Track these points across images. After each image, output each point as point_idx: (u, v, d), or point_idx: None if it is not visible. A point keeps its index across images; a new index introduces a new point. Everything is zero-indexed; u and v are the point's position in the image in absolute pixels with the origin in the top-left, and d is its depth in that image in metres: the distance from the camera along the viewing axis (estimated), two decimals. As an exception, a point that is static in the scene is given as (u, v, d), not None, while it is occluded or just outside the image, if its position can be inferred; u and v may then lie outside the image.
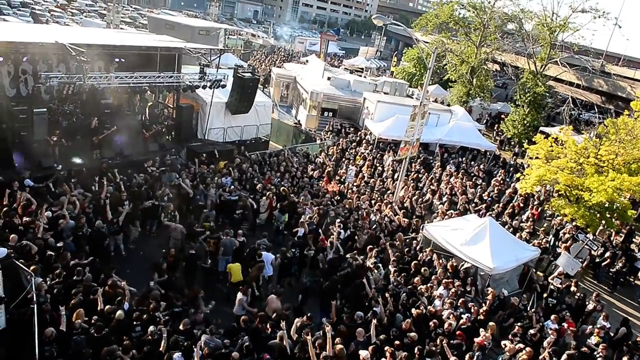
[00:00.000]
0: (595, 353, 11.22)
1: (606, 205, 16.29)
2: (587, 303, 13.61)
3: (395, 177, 19.83)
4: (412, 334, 10.23)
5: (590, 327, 12.51)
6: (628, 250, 18.03)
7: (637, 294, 16.63)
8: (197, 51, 19.42)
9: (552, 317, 12.11)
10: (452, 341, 10.44)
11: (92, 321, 8.77)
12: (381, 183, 20.01)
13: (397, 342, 9.76)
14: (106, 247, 12.37)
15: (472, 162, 25.32)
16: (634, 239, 19.54)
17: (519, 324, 11.65)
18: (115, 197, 13.74)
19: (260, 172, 18.99)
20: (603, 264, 16.92)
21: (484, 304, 12.38)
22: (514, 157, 28.85)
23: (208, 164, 17.96)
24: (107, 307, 9.21)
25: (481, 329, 10.96)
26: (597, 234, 17.63)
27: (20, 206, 12.12)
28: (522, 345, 10.71)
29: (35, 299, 8.70)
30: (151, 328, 8.80)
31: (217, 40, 32.69)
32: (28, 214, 11.91)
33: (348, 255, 13.51)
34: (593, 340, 11.88)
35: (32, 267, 9.44)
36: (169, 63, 19.29)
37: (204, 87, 18.55)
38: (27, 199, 12.32)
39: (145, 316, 9.29)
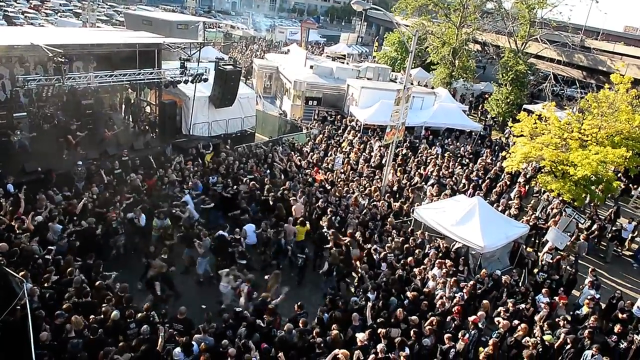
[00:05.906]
0: (586, 324, 11.40)
1: (592, 178, 16.53)
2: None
3: (383, 162, 19.88)
4: (413, 317, 10.35)
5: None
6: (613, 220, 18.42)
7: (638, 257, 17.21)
8: (177, 46, 19.19)
9: (544, 290, 12.30)
10: (447, 319, 10.62)
11: (87, 322, 8.72)
12: (369, 169, 20.04)
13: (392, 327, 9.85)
14: (97, 246, 12.20)
15: (458, 143, 25.48)
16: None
17: (511, 300, 11.81)
18: (104, 197, 13.66)
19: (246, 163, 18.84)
20: (591, 236, 17.20)
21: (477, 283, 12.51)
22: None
23: (193, 160, 17.83)
24: (103, 307, 9.16)
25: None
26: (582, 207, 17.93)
27: (7, 211, 12.00)
28: (516, 322, 10.85)
29: (28, 305, 8.60)
30: (144, 327, 8.74)
31: (196, 34, 32.09)
32: (16, 219, 11.78)
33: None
34: (583, 311, 12.10)
35: (21, 273, 9.34)
36: (148, 59, 18.98)
37: (186, 81, 18.36)
38: (15, 201, 12.20)
39: (139, 315, 9.25)
